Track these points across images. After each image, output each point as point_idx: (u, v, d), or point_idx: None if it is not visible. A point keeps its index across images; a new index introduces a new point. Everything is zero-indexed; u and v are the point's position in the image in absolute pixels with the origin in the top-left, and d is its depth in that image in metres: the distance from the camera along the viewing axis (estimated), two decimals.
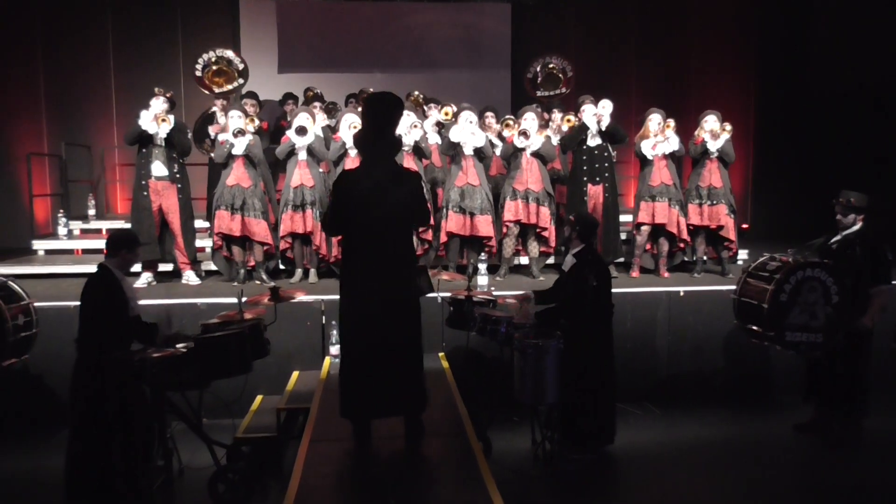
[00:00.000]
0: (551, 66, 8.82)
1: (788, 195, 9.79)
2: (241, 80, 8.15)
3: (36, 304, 5.32)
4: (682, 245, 7.04)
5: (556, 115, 7.99)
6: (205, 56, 8.05)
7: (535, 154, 6.86)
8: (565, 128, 7.79)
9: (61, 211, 8.57)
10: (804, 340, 5.10)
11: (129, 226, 6.83)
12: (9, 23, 9.12)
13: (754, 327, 5.30)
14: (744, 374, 6.28)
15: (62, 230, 8.37)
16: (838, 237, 5.26)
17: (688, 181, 7.17)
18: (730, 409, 5.99)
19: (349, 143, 6.55)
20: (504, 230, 6.93)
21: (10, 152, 9.18)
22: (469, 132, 6.73)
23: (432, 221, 6.85)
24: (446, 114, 7.88)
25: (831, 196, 5.29)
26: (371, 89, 8.82)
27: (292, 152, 6.71)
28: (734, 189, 7.21)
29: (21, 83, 9.34)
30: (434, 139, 7.47)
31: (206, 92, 8.19)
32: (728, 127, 6.83)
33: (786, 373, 6.13)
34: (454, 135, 6.77)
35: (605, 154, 6.98)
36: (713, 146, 6.82)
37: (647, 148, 6.86)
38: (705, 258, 7.22)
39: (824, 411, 5.34)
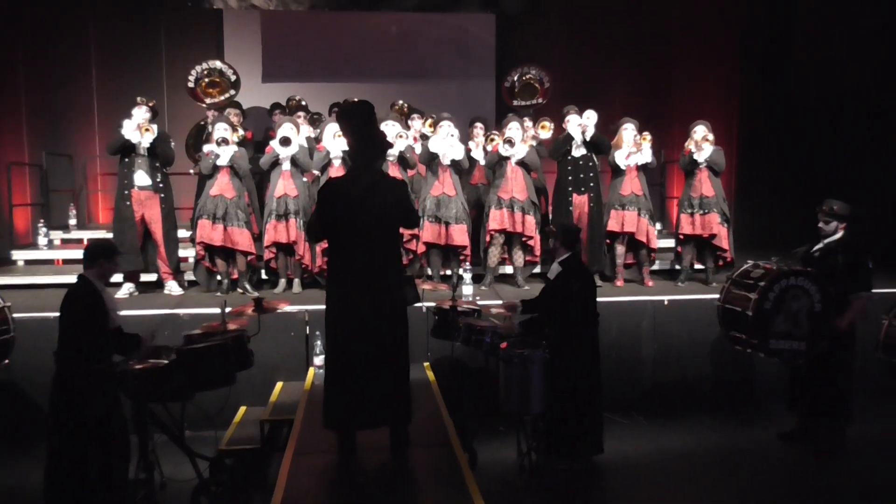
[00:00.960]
0: (528, 76, 8.84)
1: (772, 203, 9.86)
2: (233, 91, 8.13)
3: (15, 314, 5.26)
4: (653, 255, 7.10)
5: (528, 124, 8.00)
6: (197, 68, 8.03)
7: (520, 163, 6.88)
8: (544, 134, 7.80)
9: (42, 221, 8.46)
10: (788, 348, 5.12)
11: (110, 235, 6.77)
12: None
13: (738, 334, 5.31)
14: (729, 382, 6.30)
15: (42, 240, 8.27)
16: (821, 245, 5.30)
17: (682, 192, 7.20)
18: (715, 418, 6.00)
19: (333, 152, 6.53)
20: (488, 239, 6.93)
21: None
22: (448, 144, 6.74)
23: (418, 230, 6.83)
24: (430, 125, 7.88)
25: (815, 204, 5.33)
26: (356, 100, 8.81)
27: (276, 162, 6.68)
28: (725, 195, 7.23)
29: (2, 92, 9.22)
30: (418, 149, 7.47)
31: (199, 103, 8.15)
32: (710, 137, 6.87)
33: (770, 380, 6.14)
34: (433, 145, 6.78)
35: (590, 164, 7.02)
36: (700, 156, 6.87)
37: (620, 158, 6.90)
38: (699, 266, 7.22)
39: (808, 419, 5.36)
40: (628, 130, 6.95)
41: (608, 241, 7.08)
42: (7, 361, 5.15)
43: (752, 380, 6.31)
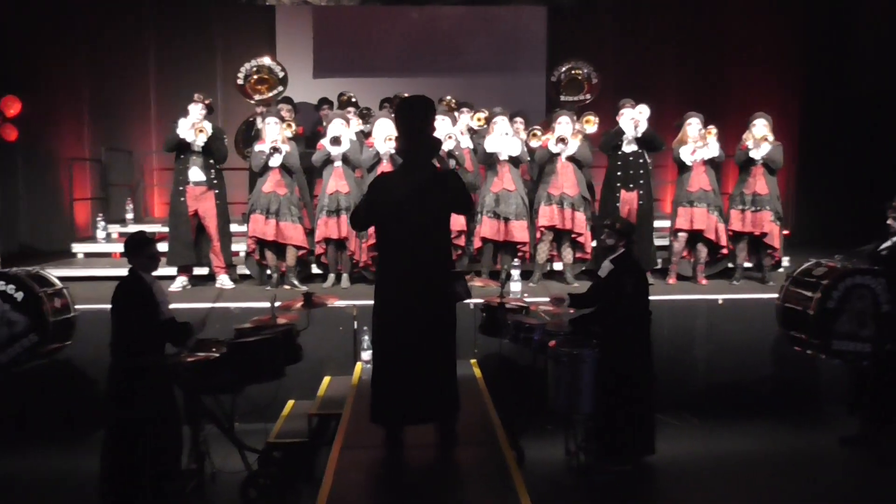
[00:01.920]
0: (576, 71, 8.68)
1: (833, 200, 9.52)
2: (280, 88, 8.22)
3: (76, 305, 5.43)
4: (724, 252, 6.86)
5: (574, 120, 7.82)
6: (246, 65, 8.14)
7: (571, 158, 6.77)
8: (589, 129, 7.62)
9: (100, 214, 8.72)
10: (851, 349, 4.95)
11: (166, 229, 6.93)
12: (52, 31, 9.33)
13: (799, 335, 5.14)
14: (787, 385, 6.08)
15: (101, 233, 8.52)
16: (889, 243, 5.08)
17: (734, 187, 6.99)
18: (772, 421, 5.80)
19: (382, 150, 6.54)
20: (538, 235, 6.84)
21: (53, 157, 9.36)
22: (504, 141, 6.67)
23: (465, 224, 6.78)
24: (478, 119, 7.82)
25: (879, 201, 5.10)
26: (405, 94, 8.82)
27: (328, 160, 6.73)
28: (780, 193, 7.00)
29: (64, 90, 9.53)
30: (466, 143, 7.42)
31: (248, 100, 8.26)
32: (770, 137, 6.62)
33: (832, 383, 5.92)
34: (490, 145, 6.72)
35: (641, 161, 6.84)
36: (756, 154, 6.63)
37: (686, 154, 6.69)
38: (748, 265, 7.01)
39: (872, 424, 5.14)
40: (693, 125, 6.74)
41: (672, 238, 6.88)
42: (69, 342, 5.32)
43: (813, 382, 6.07)
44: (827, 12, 9.87)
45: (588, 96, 8.77)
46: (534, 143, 7.10)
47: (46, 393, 5.68)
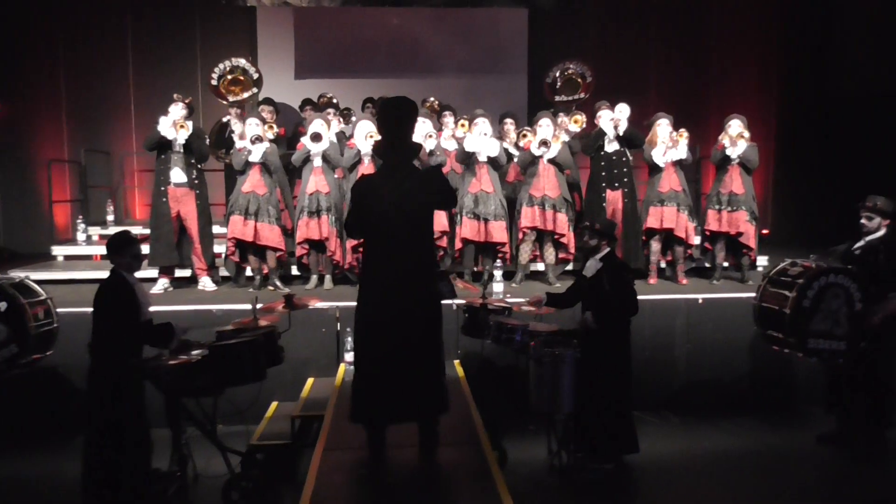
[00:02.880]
0: (570, 71, 8.74)
1: (809, 200, 9.65)
2: (255, 89, 8.19)
3: (57, 309, 5.39)
4: (690, 251, 6.97)
5: (564, 119, 7.89)
6: (220, 66, 8.11)
7: (552, 161, 6.82)
8: (574, 128, 7.68)
9: (80, 217, 8.65)
10: (827, 348, 5.00)
11: (147, 231, 6.89)
12: (31, 33, 9.25)
13: (775, 334, 5.20)
14: (765, 383, 6.17)
15: (81, 236, 8.45)
16: (862, 242, 5.16)
17: (711, 187, 7.08)
18: (750, 419, 5.88)
19: (364, 149, 6.54)
20: (521, 236, 6.88)
21: (32, 159, 9.29)
22: (484, 141, 6.70)
23: (455, 210, 6.81)
24: (462, 125, 7.85)
25: (854, 201, 5.19)
26: (389, 96, 8.81)
27: (308, 159, 6.72)
28: (755, 193, 7.09)
29: (43, 91, 9.45)
30: (451, 146, 7.45)
31: (222, 101, 8.23)
32: (746, 134, 6.71)
33: (808, 382, 6.02)
34: (469, 144, 6.75)
35: (624, 159, 6.93)
36: (733, 153, 6.72)
37: (657, 156, 6.77)
38: (725, 264, 7.11)
39: (848, 422, 5.22)
40: (662, 126, 6.83)
41: (644, 237, 6.97)
42: (50, 353, 5.28)
43: (789, 381, 6.17)
44: (806, 15, 10.01)
45: (584, 94, 8.82)
46: (522, 144, 7.14)
47: (27, 396, 5.63)
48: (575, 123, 7.82)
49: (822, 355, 5.03)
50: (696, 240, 7.20)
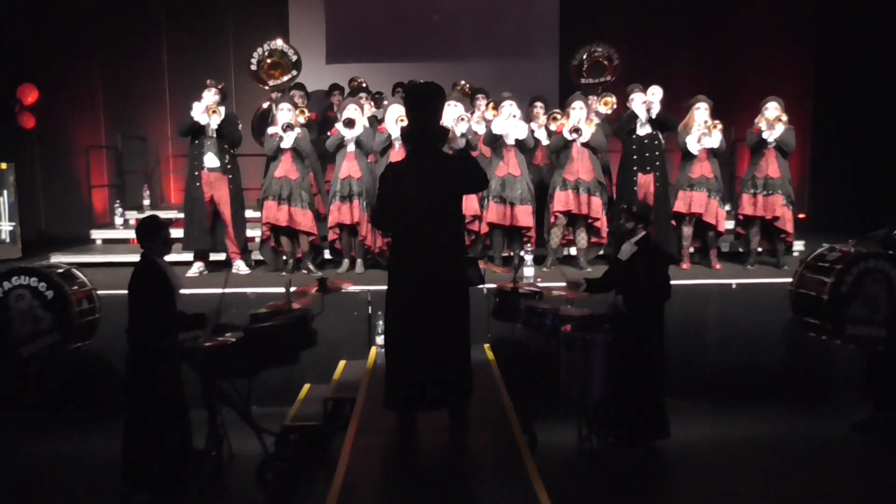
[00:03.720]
0: (597, 53, 8.63)
1: (848, 184, 9.43)
2: (294, 72, 8.19)
3: (97, 291, 5.53)
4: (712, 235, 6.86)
5: (594, 100, 7.79)
6: (259, 50, 8.11)
7: (586, 144, 6.75)
8: (603, 109, 7.57)
9: (118, 201, 8.83)
10: (865, 334, 4.94)
11: (181, 215, 7.01)
12: (67, 21, 9.40)
13: (813, 320, 5.14)
14: (800, 370, 6.07)
15: (118, 220, 8.64)
16: None
17: (746, 170, 6.96)
18: (784, 406, 5.79)
19: (394, 134, 6.55)
20: (553, 220, 6.85)
21: (71, 146, 9.48)
22: (511, 124, 6.66)
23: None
24: (493, 107, 7.81)
25: (894, 185, 5.07)
26: (421, 81, 8.79)
27: (341, 144, 6.75)
28: (792, 177, 6.95)
29: (79, 79, 9.62)
30: (481, 129, 7.42)
31: (262, 86, 8.27)
32: (784, 118, 6.56)
33: (842, 369, 5.90)
34: (496, 127, 6.72)
35: (656, 143, 6.84)
36: (770, 136, 6.58)
37: (692, 143, 6.65)
38: (760, 249, 6.99)
39: (884, 410, 5.14)
40: (701, 110, 6.68)
41: (674, 222, 6.89)
42: (90, 341, 5.42)
43: (824, 367, 6.06)
44: None
45: (610, 77, 8.72)
46: (553, 127, 7.08)
47: (70, 377, 5.80)
48: (605, 105, 7.73)
49: (860, 342, 4.97)
50: (728, 225, 7.08)
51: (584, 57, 8.75)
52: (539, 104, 7.68)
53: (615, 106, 7.75)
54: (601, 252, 7.24)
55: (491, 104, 7.71)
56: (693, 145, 6.65)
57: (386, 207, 3.76)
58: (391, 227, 3.84)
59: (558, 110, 7.29)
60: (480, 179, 3.87)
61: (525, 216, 6.72)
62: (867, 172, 9.20)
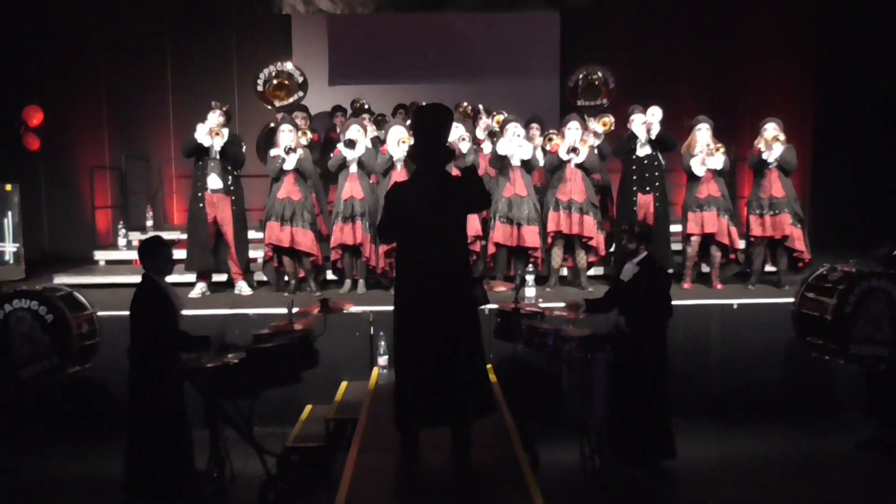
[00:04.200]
0: (592, 76, 8.70)
1: (848, 203, 9.45)
2: (300, 93, 8.25)
3: (98, 312, 5.53)
4: (733, 256, 6.86)
5: (591, 120, 7.84)
6: (265, 71, 8.17)
7: (580, 165, 6.80)
8: (599, 128, 7.60)
9: (121, 222, 8.86)
10: (870, 353, 4.94)
11: (184, 236, 7.05)
12: (72, 43, 9.50)
13: (816, 340, 5.13)
14: (803, 389, 6.05)
15: (122, 241, 8.65)
16: None
17: (750, 192, 6.98)
18: (788, 425, 5.78)
19: (396, 155, 6.60)
20: (550, 241, 6.87)
21: (75, 166, 9.54)
22: (516, 145, 6.72)
23: (487, 214, 6.84)
24: (497, 121, 7.88)
25: (894, 204, 5.09)
26: (423, 102, 8.87)
27: (343, 165, 6.80)
28: (797, 195, 6.96)
29: (84, 100, 9.70)
30: (486, 148, 7.48)
31: (268, 106, 8.34)
32: (782, 137, 6.61)
33: (845, 387, 5.88)
34: (501, 148, 6.77)
35: (655, 163, 6.88)
36: (770, 156, 6.62)
37: (696, 165, 6.69)
38: (771, 269, 6.98)
39: (888, 428, 5.12)
40: (702, 131, 6.73)
41: (684, 243, 6.89)
42: (89, 365, 5.43)
43: (827, 386, 6.05)
44: (841, 12, 9.81)
45: (605, 101, 8.76)
46: (549, 147, 7.14)
47: (72, 396, 5.81)
48: (603, 126, 7.77)
49: (864, 361, 4.96)
50: (741, 244, 7.09)
51: (580, 78, 8.81)
52: (535, 125, 7.73)
53: (612, 126, 7.80)
54: (601, 272, 7.25)
55: (497, 117, 7.79)
56: (697, 167, 6.69)
57: (391, 224, 3.79)
58: (397, 241, 3.87)
59: (554, 131, 7.35)
60: (483, 197, 3.89)
61: (532, 236, 6.75)
62: (868, 191, 9.23)
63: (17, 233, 7.81)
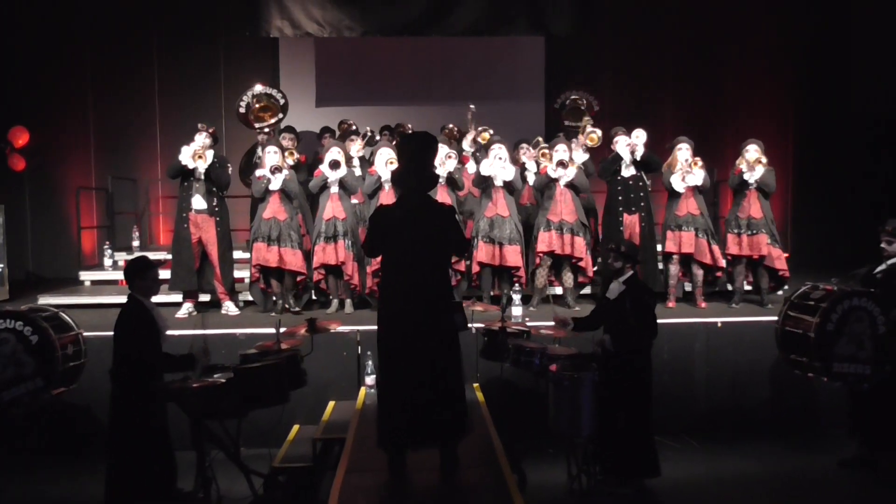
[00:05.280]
0: (577, 101, 8.84)
1: (828, 223, 9.61)
2: (281, 115, 8.34)
3: (84, 333, 5.50)
4: (719, 274, 6.95)
5: (580, 137, 7.92)
6: (249, 93, 8.25)
7: (569, 185, 6.88)
8: (589, 143, 7.69)
9: (107, 242, 8.82)
10: (852, 371, 5.00)
11: (170, 256, 7.04)
12: (60, 63, 9.53)
13: (799, 358, 5.19)
14: (786, 407, 6.12)
15: (108, 261, 8.61)
16: (883, 266, 5.17)
17: (729, 211, 7.09)
18: (772, 443, 5.83)
19: (384, 176, 6.65)
20: (537, 261, 6.93)
21: (61, 186, 9.52)
22: (499, 166, 6.80)
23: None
24: (483, 138, 7.98)
25: (874, 225, 5.20)
26: (409, 125, 8.96)
27: (325, 186, 6.83)
28: (773, 217, 7.09)
29: (71, 121, 9.71)
30: (470, 168, 7.55)
31: (251, 128, 8.39)
32: (763, 160, 6.75)
33: (828, 405, 5.95)
34: (485, 168, 6.85)
35: (640, 184, 6.98)
36: (751, 177, 6.75)
37: (676, 182, 6.81)
38: (748, 288, 7.07)
39: (871, 446, 5.17)
40: (682, 150, 6.87)
41: (661, 263, 6.99)
42: (75, 386, 5.38)
43: (810, 404, 6.11)
44: (824, 38, 10.04)
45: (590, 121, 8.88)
46: (544, 162, 7.20)
47: (53, 418, 5.75)
48: (591, 141, 7.85)
49: (847, 379, 5.02)
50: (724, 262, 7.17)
51: (566, 101, 8.95)
52: (525, 146, 7.83)
53: (600, 141, 7.87)
54: (587, 291, 7.31)
55: (483, 134, 7.91)
56: (678, 184, 6.80)
57: (373, 244, 3.86)
58: (381, 265, 3.91)
59: (546, 145, 7.43)
60: (461, 242, 4.05)
61: (514, 256, 6.80)
62: (848, 211, 9.39)
63: (1, 253, 7.77)
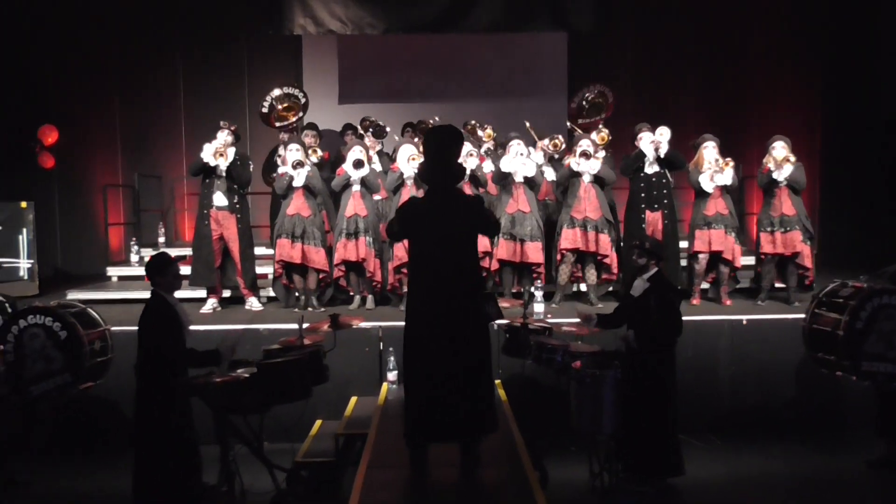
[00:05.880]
0: (592, 96, 8.78)
1: (858, 220, 9.43)
2: (301, 113, 8.38)
3: (111, 328, 5.58)
4: (733, 273, 6.89)
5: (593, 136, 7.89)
6: (271, 94, 8.31)
7: (596, 178, 6.82)
8: (598, 142, 7.65)
9: (133, 239, 8.96)
10: (882, 370, 4.92)
11: (190, 252, 7.12)
12: (86, 64, 9.66)
13: (827, 356, 5.12)
14: (812, 406, 6.03)
15: (134, 257, 8.76)
16: None
17: (760, 210, 7.00)
18: (798, 443, 5.76)
19: (406, 172, 6.66)
20: (559, 257, 6.89)
21: (89, 184, 9.67)
22: (519, 162, 6.77)
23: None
24: (488, 136, 7.98)
25: None
26: (431, 121, 8.95)
27: (347, 184, 6.86)
28: (807, 212, 6.97)
29: (98, 119, 9.85)
30: (488, 167, 7.53)
31: (271, 127, 8.45)
32: (792, 157, 6.64)
33: (856, 405, 5.85)
34: (505, 165, 6.83)
35: (664, 181, 6.91)
36: (779, 175, 6.65)
37: (704, 181, 6.72)
38: (779, 285, 6.97)
39: None
40: (709, 149, 6.79)
41: (685, 261, 6.92)
42: (101, 381, 5.46)
43: (837, 404, 6.02)
44: (850, 31, 9.85)
45: (606, 115, 8.83)
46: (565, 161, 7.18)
47: (81, 413, 5.84)
48: (601, 141, 7.80)
49: (876, 378, 4.94)
50: (745, 261, 7.09)
51: (585, 101, 8.89)
52: (515, 141, 7.77)
53: (608, 138, 7.82)
54: (611, 288, 7.26)
55: (487, 132, 8.00)
56: (707, 184, 6.72)
57: (401, 230, 3.87)
58: (409, 259, 3.90)
59: (558, 137, 7.40)
60: (494, 225, 4.02)
61: (535, 252, 6.78)
62: (877, 208, 9.21)
63: (31, 250, 7.91)
